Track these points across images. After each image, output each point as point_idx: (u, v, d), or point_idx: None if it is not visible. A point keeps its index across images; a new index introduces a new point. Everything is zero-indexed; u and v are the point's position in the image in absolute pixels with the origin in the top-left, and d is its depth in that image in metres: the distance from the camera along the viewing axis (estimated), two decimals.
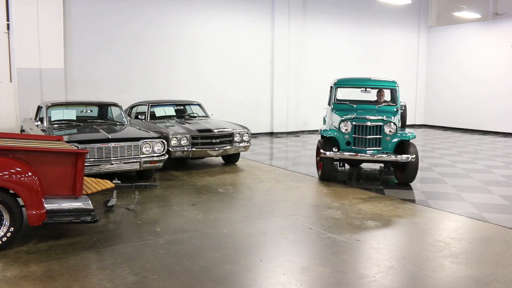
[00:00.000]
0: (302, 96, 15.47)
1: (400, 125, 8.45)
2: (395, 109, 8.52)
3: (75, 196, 4.77)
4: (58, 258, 4.35)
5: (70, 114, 8.13)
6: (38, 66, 10.41)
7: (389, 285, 3.91)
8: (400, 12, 17.64)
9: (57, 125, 7.80)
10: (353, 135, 7.67)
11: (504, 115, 16.10)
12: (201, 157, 9.15)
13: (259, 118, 14.74)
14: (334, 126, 8.14)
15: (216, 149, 8.76)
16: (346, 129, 7.64)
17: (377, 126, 7.56)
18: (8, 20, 10.25)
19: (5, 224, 4.45)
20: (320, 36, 15.77)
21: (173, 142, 8.34)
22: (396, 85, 8.73)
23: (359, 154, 7.56)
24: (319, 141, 8.07)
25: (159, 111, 9.89)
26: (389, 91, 8.96)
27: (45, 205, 4.55)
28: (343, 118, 7.71)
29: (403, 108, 9.07)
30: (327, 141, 7.90)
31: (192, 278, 3.97)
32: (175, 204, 6.43)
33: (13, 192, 4.45)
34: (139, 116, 9.77)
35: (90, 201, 4.85)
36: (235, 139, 9.07)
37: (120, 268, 4.16)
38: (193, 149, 8.54)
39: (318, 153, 8.05)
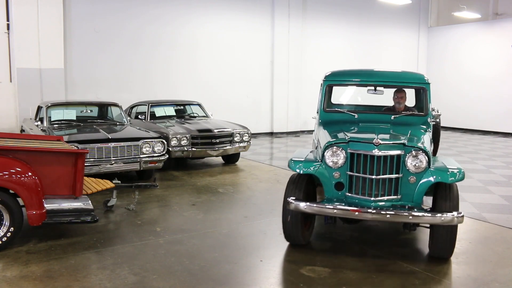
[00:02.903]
0: (302, 96, 15.46)
1: (432, 150, 5.23)
2: (425, 122, 5.36)
3: (75, 196, 4.77)
4: (58, 258, 4.35)
5: (70, 114, 8.12)
6: (38, 66, 10.41)
7: (390, 285, 3.91)
8: (400, 12, 17.64)
9: (57, 125, 7.80)
10: (348, 172, 4.46)
11: (504, 115, 16.10)
12: (201, 157, 9.15)
13: (259, 118, 14.73)
14: (319, 153, 4.78)
15: (216, 149, 8.76)
16: (335, 162, 4.48)
17: (392, 156, 4.35)
18: (8, 20, 10.25)
19: (5, 224, 4.45)
20: (320, 36, 15.77)
21: (173, 142, 8.34)
22: (426, 80, 5.57)
23: (358, 210, 4.24)
24: (290, 178, 4.75)
25: (159, 111, 9.89)
26: (414, 91, 6.18)
27: (45, 205, 4.55)
28: (330, 140, 4.57)
29: (437, 119, 6.26)
30: (304, 179, 4.65)
31: (192, 278, 3.97)
32: (175, 204, 6.43)
33: (13, 192, 4.45)
34: (139, 116, 9.77)
35: (90, 201, 4.86)
36: (235, 139, 9.07)
37: (120, 268, 4.16)
38: (193, 149, 8.54)
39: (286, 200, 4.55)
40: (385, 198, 4.40)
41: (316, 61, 15.75)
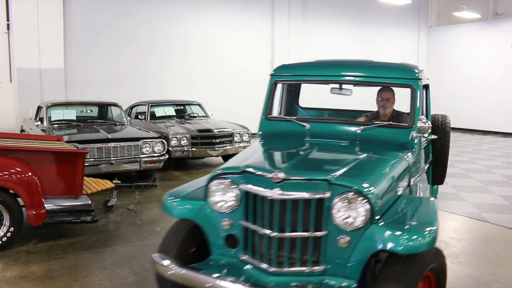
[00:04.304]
0: None
1: (417, 181, 3.68)
2: (409, 140, 3.55)
3: (75, 196, 4.77)
4: (58, 258, 4.35)
5: (70, 114, 8.12)
6: (38, 66, 10.41)
7: None
8: (400, 12, 17.64)
9: (57, 125, 7.80)
10: (242, 222, 2.90)
11: (504, 115, 16.10)
12: (201, 157, 9.15)
13: (259, 118, 14.68)
14: None
15: (216, 149, 8.75)
16: (220, 204, 2.95)
17: (307, 202, 2.72)
18: (8, 20, 10.26)
19: (5, 224, 4.45)
20: (320, 35, 15.77)
21: (173, 142, 8.34)
22: (417, 75, 3.76)
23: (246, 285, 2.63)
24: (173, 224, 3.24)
25: (159, 111, 9.89)
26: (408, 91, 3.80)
27: (45, 205, 4.55)
28: (218, 169, 3.04)
29: (443, 132, 4.50)
30: (187, 227, 3.13)
31: None
32: None
33: (13, 192, 4.45)
34: (139, 116, 9.78)
35: (90, 201, 4.86)
36: (235, 139, 9.07)
37: (120, 268, 4.16)
38: (193, 149, 8.54)
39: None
40: (297, 269, 2.73)
41: None
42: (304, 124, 3.88)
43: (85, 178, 5.53)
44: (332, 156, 3.52)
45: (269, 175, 2.73)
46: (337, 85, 4.12)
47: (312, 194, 2.69)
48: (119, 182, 5.98)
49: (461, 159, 10.53)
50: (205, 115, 10.26)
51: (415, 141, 3.57)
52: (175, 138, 8.37)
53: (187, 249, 3.06)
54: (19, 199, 4.52)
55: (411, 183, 3.42)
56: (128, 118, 9.22)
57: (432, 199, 3.21)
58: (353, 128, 3.75)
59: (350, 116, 5.04)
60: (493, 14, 17.32)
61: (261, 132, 4.11)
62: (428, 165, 4.32)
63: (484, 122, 16.69)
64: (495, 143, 13.69)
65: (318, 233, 2.71)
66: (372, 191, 2.70)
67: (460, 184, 7.93)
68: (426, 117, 4.31)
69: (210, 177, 3.02)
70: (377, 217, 2.69)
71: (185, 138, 8.46)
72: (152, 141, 7.39)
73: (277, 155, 3.57)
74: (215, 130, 8.81)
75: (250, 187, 2.83)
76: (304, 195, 2.69)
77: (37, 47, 10.35)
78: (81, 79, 11.33)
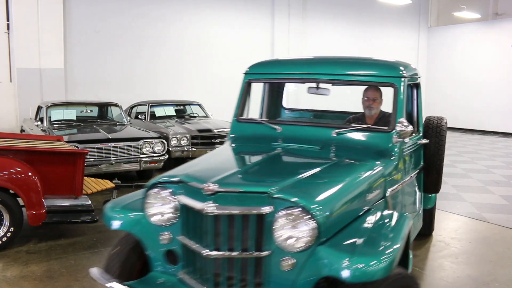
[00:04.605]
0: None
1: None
2: (389, 147, 3.24)
3: (75, 196, 4.78)
4: (58, 258, 4.35)
5: (70, 114, 8.12)
6: (38, 66, 10.40)
7: None
8: (400, 12, 17.64)
9: (57, 125, 7.80)
10: (180, 238, 2.63)
11: (504, 115, 16.10)
12: None
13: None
14: None
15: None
16: (157, 217, 2.67)
17: (245, 217, 2.40)
18: (8, 20, 10.25)
19: (5, 224, 4.45)
20: (320, 36, 15.77)
21: (173, 142, 8.34)
22: (401, 73, 3.46)
23: None
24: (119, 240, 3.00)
25: (159, 111, 9.89)
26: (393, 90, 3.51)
27: (45, 205, 4.55)
28: (160, 177, 2.80)
29: (437, 135, 4.31)
30: (132, 240, 2.88)
31: None
32: None
33: (13, 192, 4.45)
34: (139, 116, 9.78)
35: (90, 201, 4.86)
36: None
37: None
38: (193, 149, 8.54)
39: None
40: None
41: None
42: (276, 127, 3.62)
43: (85, 178, 5.53)
44: (291, 164, 3.22)
45: (201, 186, 2.45)
46: (314, 84, 3.92)
47: (248, 209, 2.38)
48: (119, 182, 5.98)
49: (461, 159, 10.53)
50: (205, 115, 10.26)
51: (396, 147, 3.23)
52: (175, 138, 8.38)
53: (132, 263, 2.85)
54: (19, 199, 4.52)
55: (387, 195, 3.08)
56: (128, 118, 9.22)
57: (406, 214, 2.83)
58: (328, 132, 3.42)
59: (336, 117, 4.76)
60: (493, 14, 17.32)
61: (232, 135, 3.81)
62: (419, 172, 4.06)
63: (484, 122, 16.68)
64: (495, 143, 13.69)
65: (258, 254, 2.40)
66: (320, 207, 2.35)
67: (460, 184, 7.93)
68: (417, 119, 4.06)
69: (147, 187, 2.76)
70: (327, 237, 2.34)
71: (185, 138, 8.47)
72: (152, 141, 7.39)
73: (225, 162, 3.23)
74: (215, 130, 8.81)
75: (184, 199, 2.57)
76: (239, 209, 2.38)
77: (37, 47, 10.34)
78: (81, 79, 11.32)
